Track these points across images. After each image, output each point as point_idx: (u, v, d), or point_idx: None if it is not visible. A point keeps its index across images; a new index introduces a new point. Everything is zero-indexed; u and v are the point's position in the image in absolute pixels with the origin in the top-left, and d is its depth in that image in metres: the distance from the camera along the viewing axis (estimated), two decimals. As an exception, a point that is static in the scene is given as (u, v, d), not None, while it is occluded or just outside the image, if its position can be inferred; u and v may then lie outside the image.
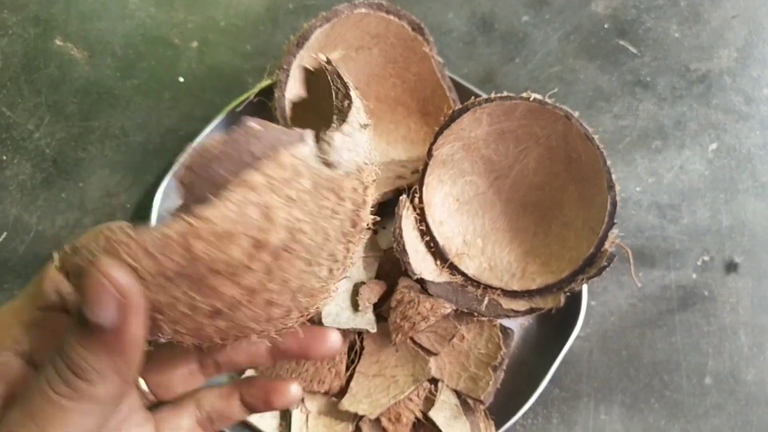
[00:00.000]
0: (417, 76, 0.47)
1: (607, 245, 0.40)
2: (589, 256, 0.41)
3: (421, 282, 0.41)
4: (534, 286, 0.42)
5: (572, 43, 0.53)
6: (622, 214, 0.49)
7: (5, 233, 0.48)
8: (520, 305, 0.42)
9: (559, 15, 0.54)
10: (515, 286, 0.43)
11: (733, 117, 0.51)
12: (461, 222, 0.45)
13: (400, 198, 0.42)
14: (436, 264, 0.43)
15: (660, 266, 0.48)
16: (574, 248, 0.42)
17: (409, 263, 0.41)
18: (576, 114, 0.40)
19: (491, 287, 0.43)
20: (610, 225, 0.40)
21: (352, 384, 0.42)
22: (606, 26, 0.54)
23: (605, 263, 0.40)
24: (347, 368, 0.43)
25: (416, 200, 0.43)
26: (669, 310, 0.48)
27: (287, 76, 0.42)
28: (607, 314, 0.47)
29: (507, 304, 0.42)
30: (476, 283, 0.43)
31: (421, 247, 0.43)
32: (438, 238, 0.43)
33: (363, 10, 0.43)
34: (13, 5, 0.52)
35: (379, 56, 0.47)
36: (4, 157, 0.49)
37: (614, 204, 0.40)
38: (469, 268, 0.44)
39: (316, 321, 0.42)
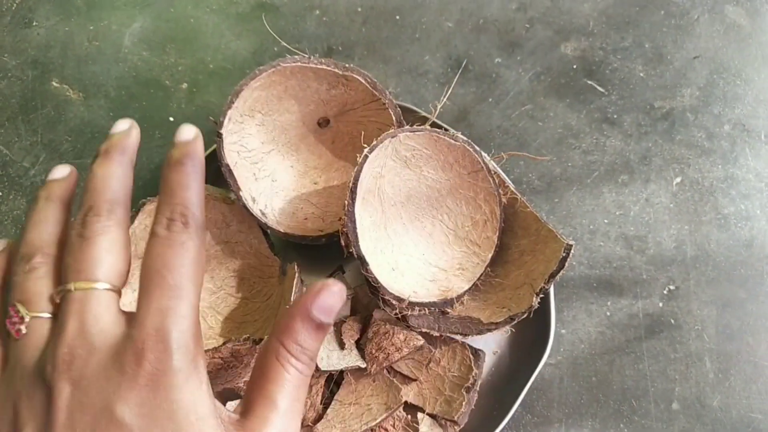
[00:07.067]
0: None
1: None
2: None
3: (403, 317, 0.43)
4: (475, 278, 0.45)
5: (542, 83, 0.56)
6: (591, 246, 0.52)
7: None
8: (498, 316, 0.43)
9: (530, 57, 0.57)
10: (465, 285, 0.45)
11: (696, 152, 0.54)
12: (380, 249, 0.45)
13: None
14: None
15: (627, 295, 0.50)
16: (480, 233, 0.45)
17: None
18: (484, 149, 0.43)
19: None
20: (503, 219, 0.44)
21: (329, 411, 0.44)
22: (575, 67, 0.56)
23: (564, 254, 0.41)
24: (324, 397, 0.45)
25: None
26: (637, 338, 0.49)
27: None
28: (577, 342, 0.49)
29: (487, 318, 0.43)
30: (434, 303, 0.44)
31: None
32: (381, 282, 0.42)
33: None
34: (13, 49, 0.55)
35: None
36: (0, 194, 0.52)
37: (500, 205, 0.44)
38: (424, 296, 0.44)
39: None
